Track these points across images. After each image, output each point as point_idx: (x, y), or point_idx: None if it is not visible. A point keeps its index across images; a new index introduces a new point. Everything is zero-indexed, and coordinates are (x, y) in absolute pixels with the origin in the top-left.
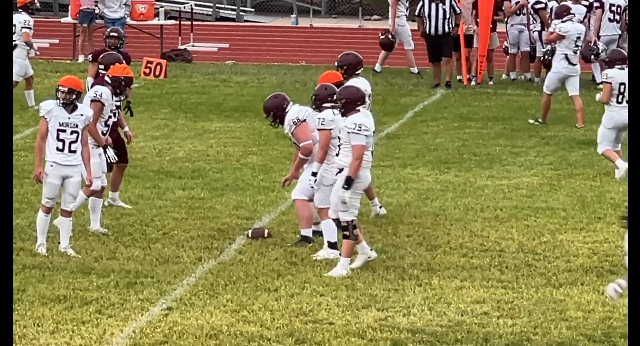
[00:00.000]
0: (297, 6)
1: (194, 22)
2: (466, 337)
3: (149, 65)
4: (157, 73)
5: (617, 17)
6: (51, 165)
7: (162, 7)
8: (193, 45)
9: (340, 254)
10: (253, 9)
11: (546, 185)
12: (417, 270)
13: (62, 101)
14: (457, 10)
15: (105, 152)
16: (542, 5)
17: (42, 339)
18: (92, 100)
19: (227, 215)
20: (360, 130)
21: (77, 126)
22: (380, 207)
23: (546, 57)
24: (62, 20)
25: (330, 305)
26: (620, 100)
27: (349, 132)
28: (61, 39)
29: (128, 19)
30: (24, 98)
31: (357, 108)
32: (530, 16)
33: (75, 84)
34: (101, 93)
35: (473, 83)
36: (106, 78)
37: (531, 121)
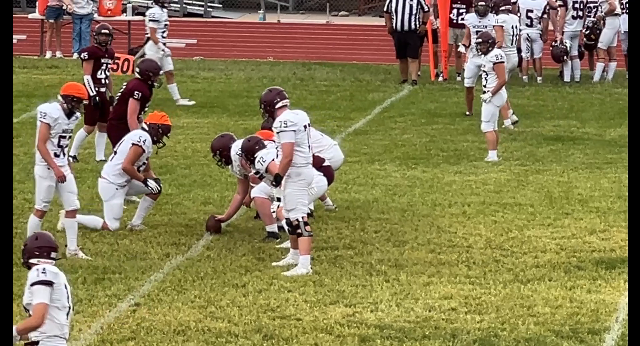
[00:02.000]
0: (264, 2)
1: None
2: (434, 333)
3: (116, 61)
4: (124, 69)
5: (580, 13)
6: (48, 169)
7: (129, 2)
8: None
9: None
10: (220, 5)
11: (514, 180)
12: (385, 265)
13: (79, 112)
14: (425, 7)
15: (146, 185)
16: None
17: None
18: (133, 144)
19: (195, 211)
20: (286, 127)
21: (72, 131)
22: (335, 208)
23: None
24: (30, 16)
25: (298, 301)
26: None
27: (278, 132)
28: (28, 34)
29: (95, 15)
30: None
31: (279, 106)
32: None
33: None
34: (145, 140)
35: (440, 79)
36: (144, 125)
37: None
